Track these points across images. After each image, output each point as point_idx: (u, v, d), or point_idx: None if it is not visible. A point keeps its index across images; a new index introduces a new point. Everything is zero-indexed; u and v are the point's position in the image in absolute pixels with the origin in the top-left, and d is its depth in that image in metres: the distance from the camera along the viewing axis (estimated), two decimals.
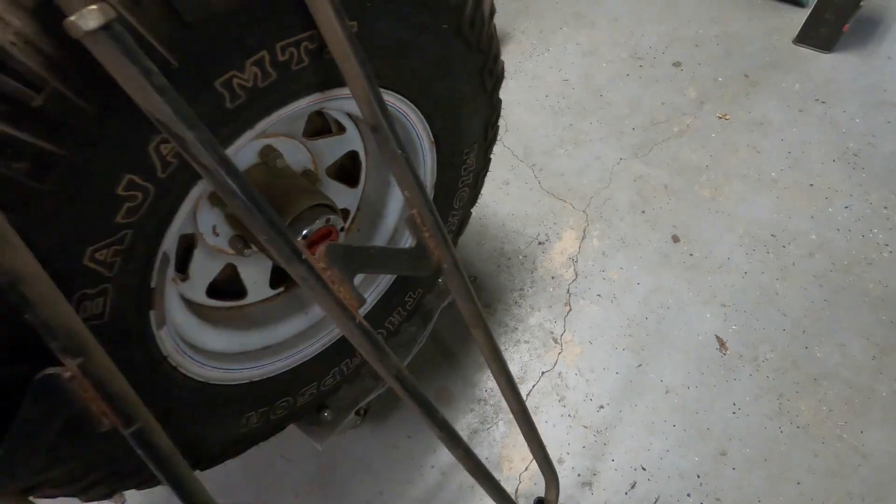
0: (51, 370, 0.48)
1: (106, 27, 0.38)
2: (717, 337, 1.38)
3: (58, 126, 0.44)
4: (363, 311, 1.10)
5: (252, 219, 0.51)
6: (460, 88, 0.84)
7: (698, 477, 1.19)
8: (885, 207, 1.57)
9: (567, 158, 1.76)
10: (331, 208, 0.85)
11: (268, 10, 0.53)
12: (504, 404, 1.32)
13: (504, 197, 1.67)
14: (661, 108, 1.88)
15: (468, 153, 0.98)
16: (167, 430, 0.56)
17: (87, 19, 0.37)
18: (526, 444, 1.01)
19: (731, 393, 1.29)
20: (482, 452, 1.26)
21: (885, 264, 1.47)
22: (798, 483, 1.17)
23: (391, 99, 0.77)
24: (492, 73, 0.88)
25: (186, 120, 0.44)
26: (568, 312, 1.45)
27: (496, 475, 1.22)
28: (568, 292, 1.49)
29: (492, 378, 1.37)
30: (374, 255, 0.63)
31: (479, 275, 1.52)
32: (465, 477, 1.24)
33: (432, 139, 0.88)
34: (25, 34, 0.38)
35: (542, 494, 1.09)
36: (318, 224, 0.82)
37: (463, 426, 1.31)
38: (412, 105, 0.81)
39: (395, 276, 1.12)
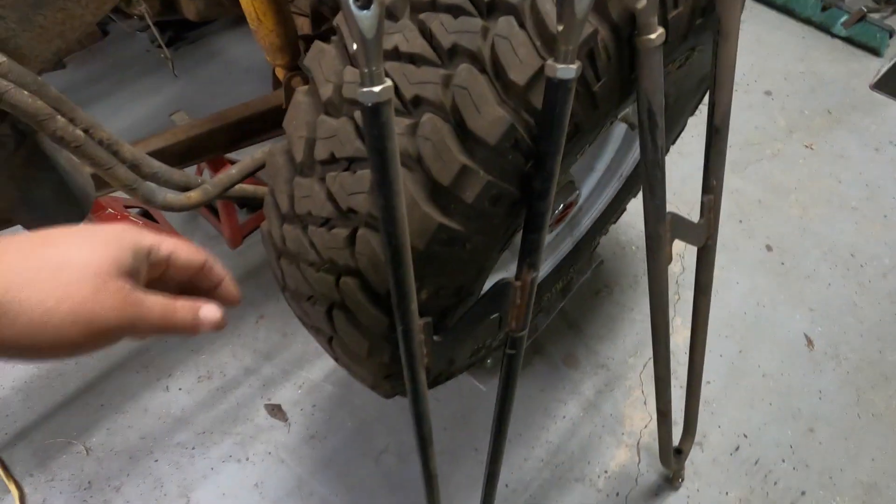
0: (507, 279, 0.66)
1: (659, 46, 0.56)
2: (806, 335, 1.61)
3: None
4: (543, 271, 1.29)
5: (654, 194, 0.69)
6: None
7: (791, 447, 1.42)
8: None
9: (672, 166, 1.96)
10: (575, 186, 1.04)
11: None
12: (623, 372, 1.54)
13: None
14: (755, 131, 2.10)
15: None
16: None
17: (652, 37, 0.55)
18: (658, 425, 1.17)
19: (818, 382, 1.53)
20: (606, 409, 1.47)
21: None
22: (872, 459, 1.41)
23: None
24: None
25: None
26: (677, 300, 1.66)
27: (618, 428, 1.44)
28: (677, 283, 1.70)
29: (613, 347, 1.58)
30: (687, 225, 0.81)
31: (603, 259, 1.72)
32: (593, 428, 1.45)
33: None
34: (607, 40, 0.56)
35: (676, 445, 1.30)
36: (574, 196, 1.01)
37: (588, 387, 1.51)
38: None
39: (571, 247, 1.32)
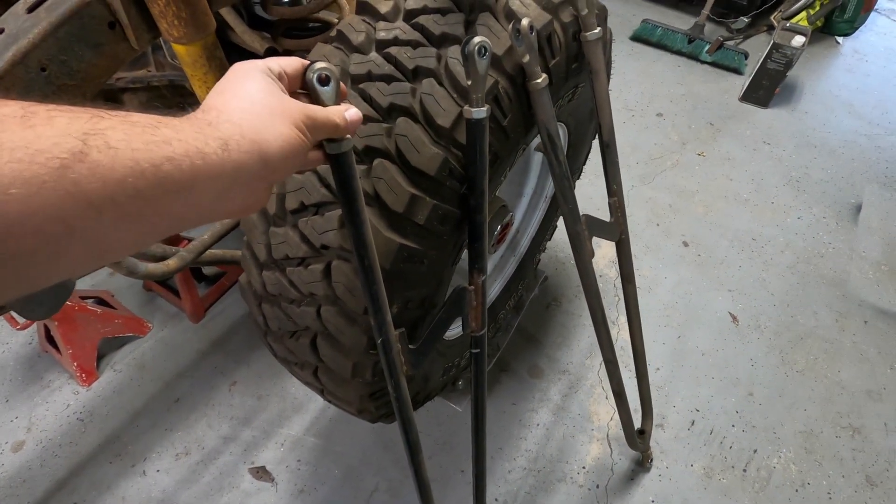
0: (462, 285, 0.79)
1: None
2: (730, 313, 1.83)
3: None
4: (494, 292, 1.43)
5: (566, 200, 0.86)
6: None
7: (737, 412, 1.59)
8: (824, 217, 2.15)
9: (591, 187, 2.21)
10: (508, 209, 1.21)
11: None
12: (584, 374, 1.68)
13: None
14: (655, 147, 2.41)
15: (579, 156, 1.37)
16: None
17: (538, 81, 0.73)
18: (617, 407, 1.32)
19: (747, 352, 1.73)
20: (574, 410, 1.59)
21: (831, 256, 2.01)
22: (805, 410, 1.60)
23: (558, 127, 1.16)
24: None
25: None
26: (617, 301, 1.85)
27: (587, 425, 1.56)
28: (615, 286, 1.89)
29: (570, 353, 1.72)
30: (598, 224, 0.98)
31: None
32: (566, 429, 1.56)
33: (567, 145, 1.26)
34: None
35: (639, 426, 1.43)
36: (509, 217, 1.17)
37: (554, 392, 1.63)
38: (564, 128, 1.19)
39: (516, 267, 1.47)
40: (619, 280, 1.89)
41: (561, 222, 1.59)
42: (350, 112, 0.51)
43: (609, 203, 1.01)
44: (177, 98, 1.66)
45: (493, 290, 1.45)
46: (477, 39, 0.60)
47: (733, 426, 1.56)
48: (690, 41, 2.88)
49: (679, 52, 2.93)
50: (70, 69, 0.88)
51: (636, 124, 2.52)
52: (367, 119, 0.71)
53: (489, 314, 1.45)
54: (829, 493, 1.44)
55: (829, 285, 1.92)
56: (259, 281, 0.83)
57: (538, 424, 1.57)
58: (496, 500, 1.42)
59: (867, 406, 1.61)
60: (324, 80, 0.52)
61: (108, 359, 1.69)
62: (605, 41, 1.01)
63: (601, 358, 1.69)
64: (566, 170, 0.83)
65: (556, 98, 0.88)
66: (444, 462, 1.48)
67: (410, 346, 0.80)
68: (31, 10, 0.84)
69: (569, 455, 1.50)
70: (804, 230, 2.10)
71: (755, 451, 1.52)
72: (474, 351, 0.86)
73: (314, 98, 0.51)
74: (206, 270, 1.89)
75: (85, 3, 0.85)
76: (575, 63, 0.86)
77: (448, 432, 1.54)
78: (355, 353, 0.79)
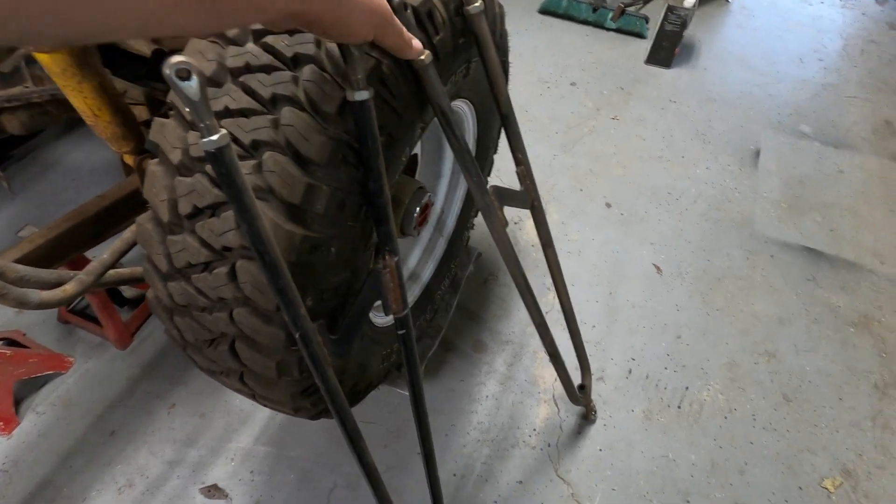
0: (377, 268, 0.79)
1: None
2: (654, 264, 1.94)
3: None
4: (428, 273, 1.45)
5: (470, 174, 0.87)
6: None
7: (668, 355, 1.70)
8: (729, 165, 2.32)
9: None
10: (425, 190, 1.22)
11: None
12: (526, 341, 1.73)
13: None
14: (571, 115, 2.50)
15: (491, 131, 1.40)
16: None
17: (422, 58, 0.73)
18: (553, 367, 1.38)
19: (672, 298, 1.85)
20: (520, 377, 1.65)
21: (738, 200, 2.17)
22: (727, 343, 1.74)
23: (462, 104, 1.17)
24: (505, 68, 1.30)
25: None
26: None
27: (533, 389, 1.62)
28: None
29: (510, 324, 1.77)
30: (508, 193, 1.01)
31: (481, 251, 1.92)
32: (514, 396, 1.61)
33: (476, 121, 1.28)
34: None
35: (579, 383, 1.50)
36: (427, 198, 1.18)
37: (500, 363, 1.68)
38: (469, 104, 1.21)
39: (445, 246, 1.49)
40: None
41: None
42: (416, 42, 0.63)
43: (517, 172, 1.04)
44: (64, 113, 1.53)
45: (426, 272, 1.46)
46: None
47: (666, 368, 1.67)
48: (595, 10, 2.98)
49: (585, 22, 3.03)
50: None
51: (552, 95, 2.59)
52: (250, 112, 0.69)
53: (426, 296, 1.47)
54: (753, 415, 1.58)
55: (739, 227, 2.08)
56: (165, 293, 0.79)
57: (487, 396, 1.61)
58: (454, 475, 1.46)
59: (779, 332, 1.77)
60: (184, 76, 0.50)
61: (28, 402, 1.57)
62: (495, 14, 1.03)
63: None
64: (465, 144, 0.85)
65: (449, 74, 0.89)
66: (399, 449, 1.50)
67: (332, 337, 0.80)
68: None
69: (519, 420, 1.56)
70: (712, 179, 2.25)
71: (687, 388, 1.63)
72: (400, 332, 0.87)
73: (176, 95, 0.50)
74: (128, 293, 1.79)
75: None
76: (462, 38, 0.87)
77: (400, 419, 1.55)
78: (276, 351, 0.78)
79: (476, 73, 1.03)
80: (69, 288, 0.86)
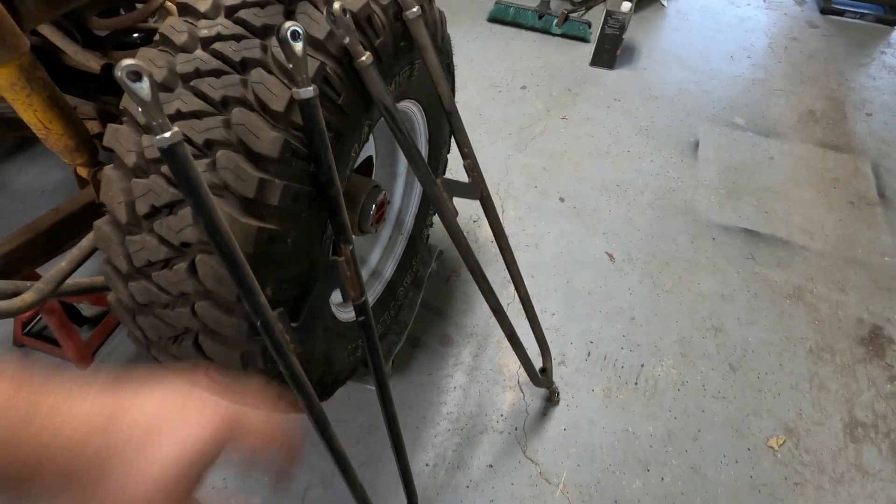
0: (334, 258, 0.84)
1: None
2: (607, 253, 2.05)
3: None
4: (390, 270, 1.50)
5: (418, 167, 0.93)
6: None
7: (623, 336, 1.80)
8: (671, 157, 2.46)
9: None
10: (380, 188, 1.27)
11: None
12: (489, 332, 1.80)
13: None
14: (523, 117, 2.60)
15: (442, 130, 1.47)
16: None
17: (363, 59, 0.79)
18: (514, 352, 1.45)
19: (625, 283, 1.96)
20: (486, 367, 1.71)
21: (681, 189, 2.32)
22: (676, 321, 1.85)
23: (411, 105, 1.24)
24: (450, 69, 1.37)
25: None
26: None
27: (499, 377, 1.68)
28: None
29: (474, 317, 1.84)
30: (457, 185, 1.07)
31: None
32: (481, 386, 1.67)
33: (426, 120, 1.34)
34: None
35: (540, 366, 1.57)
36: (382, 196, 1.23)
37: (466, 355, 1.74)
38: (418, 105, 1.27)
39: (405, 244, 1.55)
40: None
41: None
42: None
43: (464, 166, 1.11)
44: (12, 132, 1.52)
45: (388, 270, 1.51)
46: (287, 24, 0.65)
47: (622, 349, 1.77)
48: (540, 17, 3.12)
49: (532, 28, 3.16)
50: None
51: (504, 98, 2.69)
52: (202, 114, 0.73)
53: (388, 292, 1.51)
54: (703, 386, 1.69)
55: (682, 214, 2.21)
56: (127, 294, 0.82)
57: (455, 387, 1.66)
58: (426, 464, 1.50)
59: (723, 308, 1.90)
60: (134, 78, 0.54)
61: None
62: (435, 20, 1.10)
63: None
64: (410, 139, 0.91)
65: (392, 75, 0.96)
66: (371, 444, 1.53)
67: (293, 325, 0.84)
68: None
69: (487, 408, 1.62)
70: (657, 171, 2.39)
71: (642, 365, 1.73)
72: (360, 318, 0.92)
73: (129, 97, 0.54)
74: (87, 311, 1.76)
75: None
76: (402, 41, 0.94)
77: (371, 415, 1.58)
78: (239, 342, 0.82)
79: (421, 75, 1.10)
80: (27, 297, 0.87)
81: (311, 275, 0.87)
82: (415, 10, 0.91)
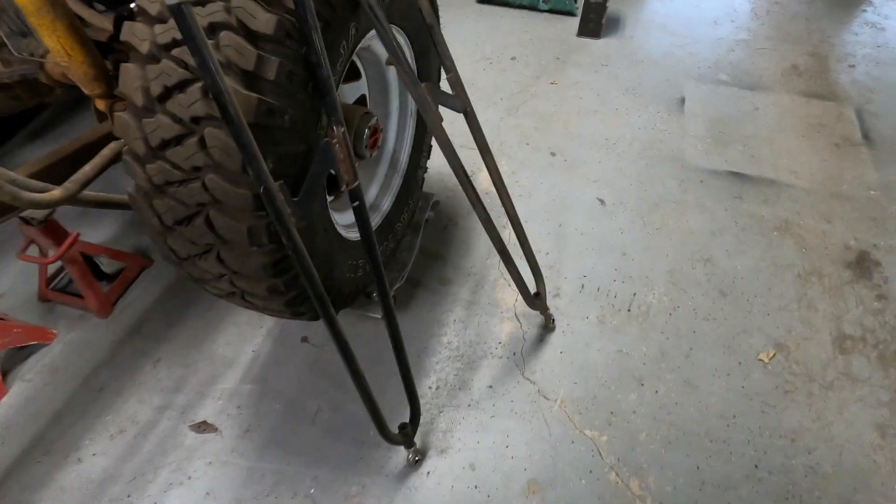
0: (326, 139, 0.93)
1: None
2: (598, 198, 2.13)
3: None
4: (387, 204, 1.59)
5: (401, 64, 1.03)
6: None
7: (615, 270, 1.87)
8: (658, 113, 2.54)
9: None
10: (372, 115, 1.37)
11: None
12: (486, 272, 1.88)
13: (435, 153, 2.27)
14: (515, 84, 2.70)
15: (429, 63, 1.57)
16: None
17: None
18: (514, 286, 1.52)
19: (616, 224, 2.03)
20: (484, 301, 1.79)
21: (668, 140, 2.39)
22: (667, 255, 1.92)
23: (398, 34, 1.33)
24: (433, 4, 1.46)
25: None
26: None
27: (496, 310, 1.76)
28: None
29: (471, 259, 1.92)
30: (442, 94, 1.16)
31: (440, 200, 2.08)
32: (479, 318, 1.74)
33: (413, 53, 1.44)
34: None
35: (534, 291, 1.64)
36: (374, 121, 1.33)
37: (465, 292, 1.81)
38: (405, 35, 1.37)
39: (401, 182, 1.64)
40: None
41: (436, 145, 1.77)
42: None
43: (447, 79, 1.21)
44: (33, 96, 1.64)
45: (385, 204, 1.60)
46: None
47: (615, 281, 1.84)
48: None
49: (521, 6, 3.28)
50: None
51: (495, 69, 2.80)
52: (206, 1, 0.83)
53: (387, 224, 1.60)
54: (694, 310, 1.75)
55: (671, 161, 2.29)
56: (144, 177, 0.92)
57: (455, 321, 1.74)
58: (430, 388, 1.57)
59: (712, 242, 1.96)
60: None
61: (14, 372, 1.62)
62: None
63: (497, 257, 1.91)
64: (392, 35, 1.00)
65: None
66: (378, 374, 1.60)
67: (294, 199, 0.93)
68: None
69: (486, 337, 1.69)
70: (644, 125, 2.47)
71: (634, 294, 1.80)
72: (354, 203, 1.01)
73: None
74: (106, 268, 1.87)
75: None
76: None
77: (377, 349, 1.66)
78: (246, 215, 0.91)
79: (403, 3, 1.20)
80: (56, 193, 0.97)
81: (308, 157, 0.96)
82: None
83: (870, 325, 1.71)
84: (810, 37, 3.06)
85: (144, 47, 0.85)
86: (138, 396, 1.56)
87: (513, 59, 2.88)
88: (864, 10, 3.29)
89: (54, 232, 1.60)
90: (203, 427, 1.51)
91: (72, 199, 1.01)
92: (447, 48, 1.18)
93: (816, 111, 2.53)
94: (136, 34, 0.86)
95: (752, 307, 1.76)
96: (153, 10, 0.86)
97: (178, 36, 0.84)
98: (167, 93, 0.85)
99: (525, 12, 3.27)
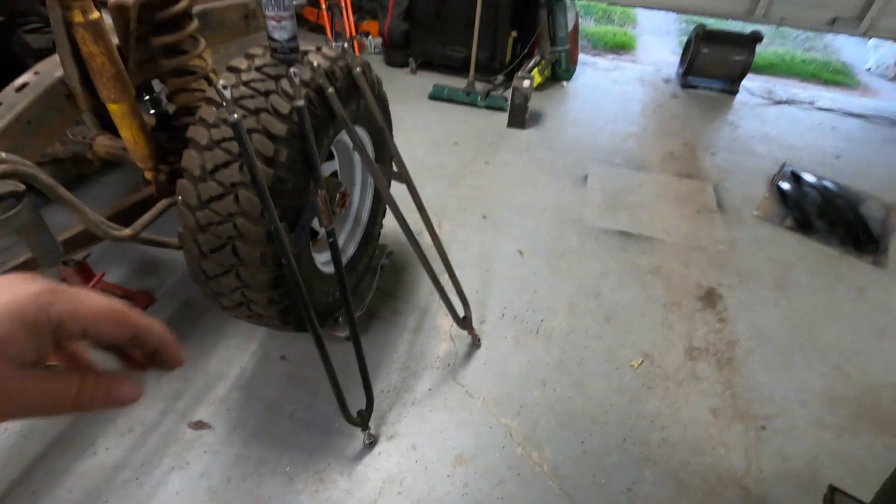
0: (313, 198, 1.47)
1: (361, 73, 1.51)
2: (518, 250, 2.73)
3: None
4: (351, 249, 2.13)
5: (359, 148, 1.61)
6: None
7: (529, 303, 2.43)
8: (567, 187, 3.25)
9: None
10: (342, 184, 1.93)
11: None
12: (429, 305, 2.39)
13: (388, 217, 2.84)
14: (456, 162, 3.38)
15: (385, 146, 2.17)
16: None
17: (355, 70, 1.50)
18: (448, 313, 2.07)
19: (530, 268, 2.61)
20: (427, 326, 2.28)
21: (573, 207, 3.07)
22: (567, 291, 2.49)
23: (361, 130, 1.94)
24: (386, 111, 2.12)
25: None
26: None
27: (436, 333, 2.26)
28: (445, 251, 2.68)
29: (417, 296, 2.44)
30: (390, 171, 1.74)
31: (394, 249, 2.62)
32: (424, 339, 2.23)
33: (373, 143, 2.04)
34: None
35: (462, 315, 2.16)
36: (343, 188, 1.90)
37: (412, 321, 2.31)
38: (366, 130, 1.98)
39: (362, 234, 2.18)
40: (446, 246, 2.70)
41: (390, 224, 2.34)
42: (120, 391, 0.40)
43: (393, 161, 1.79)
44: (78, 168, 2.14)
45: (350, 249, 2.13)
46: (291, 69, 1.34)
47: (527, 311, 2.39)
48: (468, 94, 4.04)
49: (463, 103, 4.07)
50: (44, 123, 1.44)
51: (441, 151, 3.49)
52: (246, 117, 1.40)
53: (351, 264, 2.12)
54: (585, 331, 2.30)
55: (574, 223, 2.95)
56: (193, 220, 1.42)
57: (403, 342, 2.22)
58: (382, 391, 2.02)
59: (602, 281, 2.57)
60: (224, 87, 1.20)
61: None
62: (373, 78, 1.84)
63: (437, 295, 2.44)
64: (350, 122, 1.58)
65: (347, 103, 1.66)
66: (342, 381, 2.04)
67: (291, 234, 1.45)
68: (18, 90, 1.40)
69: (427, 353, 2.17)
70: (556, 196, 3.16)
71: (542, 320, 2.34)
72: (329, 240, 1.53)
73: (218, 95, 1.21)
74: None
75: (53, 84, 1.43)
76: (353, 86, 1.65)
77: (342, 363, 2.10)
78: (260, 244, 1.42)
79: (365, 110, 1.81)
80: (128, 231, 1.46)
81: (301, 209, 1.49)
82: (357, 70, 1.63)
83: (712, 341, 2.31)
84: (685, 131, 3.95)
85: (203, 141, 1.40)
86: (144, 403, 1.93)
87: (455, 143, 3.59)
88: (726, 114, 4.26)
89: (84, 272, 2.02)
90: (199, 425, 1.88)
91: (135, 238, 1.49)
92: (394, 142, 1.79)
93: (685, 187, 3.31)
94: (199, 134, 1.41)
95: (629, 328, 2.33)
96: (210, 118, 1.41)
97: (227, 135, 1.39)
98: (215, 168, 1.39)
99: (466, 108, 4.05)
